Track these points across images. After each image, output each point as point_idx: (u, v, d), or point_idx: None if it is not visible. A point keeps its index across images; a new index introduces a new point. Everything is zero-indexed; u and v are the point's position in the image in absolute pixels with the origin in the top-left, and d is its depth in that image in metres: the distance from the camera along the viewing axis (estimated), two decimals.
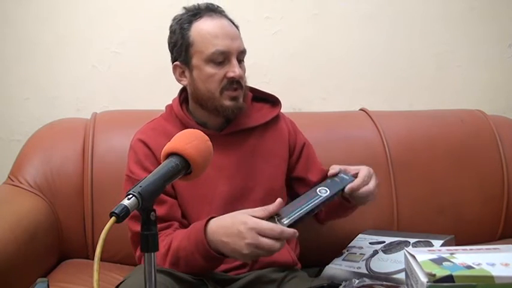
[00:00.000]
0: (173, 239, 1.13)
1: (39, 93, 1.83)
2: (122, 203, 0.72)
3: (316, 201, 1.11)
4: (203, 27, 1.23)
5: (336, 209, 1.32)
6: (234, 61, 1.22)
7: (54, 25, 1.82)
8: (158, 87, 1.83)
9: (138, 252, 1.22)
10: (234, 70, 1.21)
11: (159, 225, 1.14)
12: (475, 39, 2.08)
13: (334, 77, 1.99)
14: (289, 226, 1.03)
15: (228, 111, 1.24)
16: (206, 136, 0.91)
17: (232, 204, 1.22)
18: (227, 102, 1.23)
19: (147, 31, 1.85)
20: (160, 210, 1.16)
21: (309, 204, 1.10)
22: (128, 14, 1.85)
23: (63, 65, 1.83)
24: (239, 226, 1.01)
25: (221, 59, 1.21)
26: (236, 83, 1.23)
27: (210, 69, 1.22)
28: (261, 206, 1.24)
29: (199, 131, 0.92)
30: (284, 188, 1.35)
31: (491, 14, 2.09)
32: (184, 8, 1.28)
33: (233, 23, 1.28)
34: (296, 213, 1.06)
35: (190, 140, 0.87)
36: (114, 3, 1.84)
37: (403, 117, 1.85)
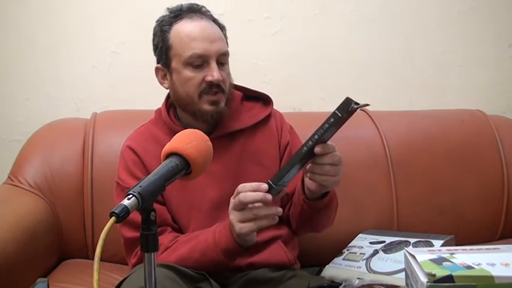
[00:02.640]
0: (178, 246, 1.13)
1: (39, 93, 1.83)
2: (122, 202, 0.72)
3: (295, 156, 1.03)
4: (182, 29, 1.20)
5: (302, 211, 1.22)
6: (213, 64, 1.18)
7: (54, 25, 1.82)
8: (158, 87, 1.81)
9: (133, 260, 1.19)
10: (212, 74, 1.18)
11: None
12: (475, 39, 2.08)
13: (334, 77, 1.99)
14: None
15: (206, 116, 1.21)
16: (206, 136, 0.91)
17: (222, 209, 1.20)
18: (207, 107, 1.20)
19: (147, 31, 1.84)
20: None
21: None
22: (128, 14, 1.85)
23: (63, 65, 1.83)
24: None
25: (199, 62, 1.19)
26: (216, 87, 1.20)
27: (188, 73, 1.19)
28: None
29: (200, 131, 0.92)
30: None
31: (491, 14, 2.09)
32: (168, 8, 1.26)
33: (218, 24, 1.25)
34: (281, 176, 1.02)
35: (191, 140, 0.87)
36: (114, 3, 1.84)
37: (403, 117, 1.85)
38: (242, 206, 1.03)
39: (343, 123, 1.00)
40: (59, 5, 1.82)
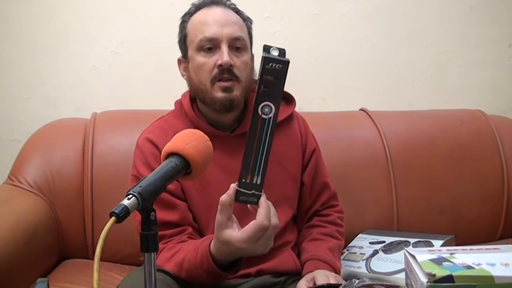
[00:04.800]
0: (181, 249, 1.10)
1: (39, 93, 1.82)
2: (121, 203, 0.72)
3: (267, 136, 0.93)
4: (198, 17, 1.20)
5: None
6: (224, 48, 1.14)
7: (55, 25, 1.82)
8: (158, 87, 1.83)
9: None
10: (222, 57, 1.13)
11: (172, 231, 1.13)
12: (475, 39, 2.08)
13: (334, 77, 1.99)
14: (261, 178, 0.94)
15: (217, 104, 1.15)
16: (206, 136, 0.91)
17: (243, 209, 1.19)
18: (218, 94, 1.15)
19: (147, 31, 1.85)
20: (173, 216, 1.15)
21: (261, 145, 0.93)
22: (128, 14, 1.85)
23: (63, 65, 1.83)
24: (238, 251, 0.97)
25: (209, 45, 1.15)
26: (227, 72, 1.14)
27: (200, 59, 1.16)
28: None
29: (199, 131, 0.91)
30: (297, 194, 1.28)
31: (491, 14, 2.09)
32: (192, 3, 1.25)
33: (241, 15, 1.23)
34: (258, 162, 0.93)
35: (191, 140, 0.87)
36: (114, 3, 1.84)
37: (403, 117, 1.85)
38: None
39: (279, 82, 0.92)
40: (59, 4, 1.82)
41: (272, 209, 0.97)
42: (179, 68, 1.26)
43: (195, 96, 1.24)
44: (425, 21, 2.05)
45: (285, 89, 1.34)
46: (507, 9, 2.09)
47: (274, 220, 0.96)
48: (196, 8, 1.22)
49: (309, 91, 1.98)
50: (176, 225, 1.16)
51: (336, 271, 1.18)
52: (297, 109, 1.91)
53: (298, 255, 1.26)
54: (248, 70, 1.21)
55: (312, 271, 1.16)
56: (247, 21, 1.25)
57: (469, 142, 1.79)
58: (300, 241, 1.29)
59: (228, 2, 1.24)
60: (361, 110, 1.86)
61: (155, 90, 1.83)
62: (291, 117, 1.30)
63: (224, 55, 1.14)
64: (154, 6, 1.85)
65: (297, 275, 1.21)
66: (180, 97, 1.30)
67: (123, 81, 1.85)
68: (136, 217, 1.12)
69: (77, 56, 1.83)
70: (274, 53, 0.92)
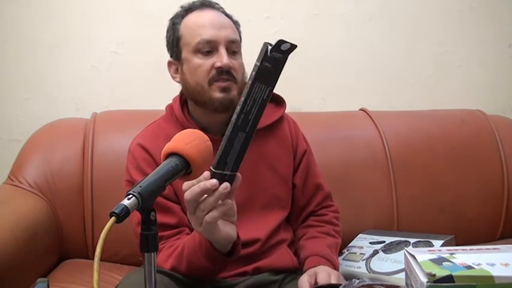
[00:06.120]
0: (181, 242, 1.11)
1: (39, 93, 1.83)
2: (121, 203, 0.72)
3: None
4: (191, 19, 1.21)
5: None
6: (222, 50, 1.16)
7: (54, 25, 1.82)
8: (158, 87, 1.82)
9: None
10: (221, 59, 1.15)
11: (171, 231, 1.14)
12: (475, 39, 2.08)
13: (334, 77, 1.99)
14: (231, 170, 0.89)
15: (216, 104, 1.16)
16: (206, 136, 0.91)
17: (247, 200, 1.18)
18: (216, 94, 1.16)
19: (147, 31, 1.85)
20: (170, 218, 1.16)
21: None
22: (128, 14, 1.85)
23: (63, 65, 1.83)
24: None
25: (207, 48, 1.17)
26: (226, 74, 1.16)
27: (197, 60, 1.17)
28: (264, 214, 1.20)
29: (199, 131, 0.91)
30: (290, 196, 1.28)
31: (491, 14, 2.09)
32: (181, 6, 1.26)
33: (231, 19, 1.25)
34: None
35: (191, 140, 0.87)
36: (114, 3, 1.85)
37: (403, 117, 1.85)
38: (193, 206, 0.91)
39: (274, 76, 0.90)
40: (58, 4, 1.82)
41: (197, 189, 0.89)
42: (169, 71, 1.27)
43: (189, 98, 1.24)
44: (426, 21, 2.05)
45: (282, 91, 1.36)
46: (507, 9, 2.10)
47: (187, 199, 0.91)
48: (187, 11, 1.23)
49: (309, 91, 1.98)
50: (174, 226, 1.16)
51: (335, 267, 1.18)
52: (296, 109, 1.93)
53: (295, 254, 1.26)
54: (242, 72, 1.23)
55: (314, 266, 1.16)
56: (236, 24, 1.27)
57: (469, 142, 1.79)
58: (297, 240, 1.29)
59: (217, 5, 1.26)
60: (361, 110, 1.86)
61: (155, 91, 1.83)
62: (281, 119, 1.31)
63: (224, 57, 1.15)
64: (154, 7, 1.86)
65: (295, 273, 1.21)
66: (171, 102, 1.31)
67: (123, 81, 1.86)
68: (134, 218, 1.13)
69: (77, 56, 1.84)
70: (284, 47, 0.92)
